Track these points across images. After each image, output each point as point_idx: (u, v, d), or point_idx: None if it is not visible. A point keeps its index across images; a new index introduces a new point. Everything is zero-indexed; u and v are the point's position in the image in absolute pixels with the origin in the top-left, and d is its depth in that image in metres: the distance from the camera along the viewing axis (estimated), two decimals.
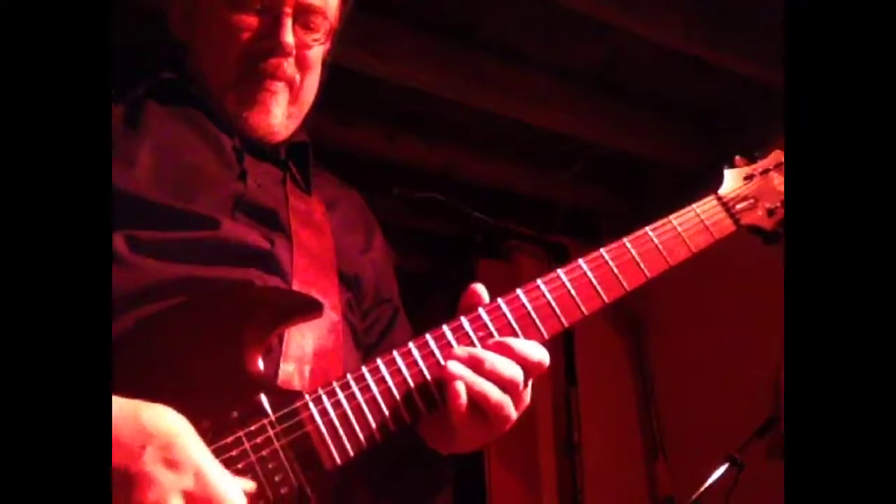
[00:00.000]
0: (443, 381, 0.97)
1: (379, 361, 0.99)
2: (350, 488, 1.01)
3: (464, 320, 1.02)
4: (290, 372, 1.04)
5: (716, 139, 3.53)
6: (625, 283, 1.09)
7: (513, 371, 0.97)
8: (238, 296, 1.03)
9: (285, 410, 0.94)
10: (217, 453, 0.88)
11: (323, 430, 0.94)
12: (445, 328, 1.01)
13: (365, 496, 1.08)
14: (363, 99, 3.14)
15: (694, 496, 2.44)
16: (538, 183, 3.84)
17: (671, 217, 1.17)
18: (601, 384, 3.74)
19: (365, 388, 0.97)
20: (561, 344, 3.49)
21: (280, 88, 1.23)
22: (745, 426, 2.61)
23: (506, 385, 0.97)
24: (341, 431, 0.94)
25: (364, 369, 0.98)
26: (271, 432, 0.92)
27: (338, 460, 0.94)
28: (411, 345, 1.00)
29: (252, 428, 0.92)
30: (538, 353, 0.99)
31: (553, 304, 1.05)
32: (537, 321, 1.03)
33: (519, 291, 1.05)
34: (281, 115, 1.24)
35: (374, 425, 0.96)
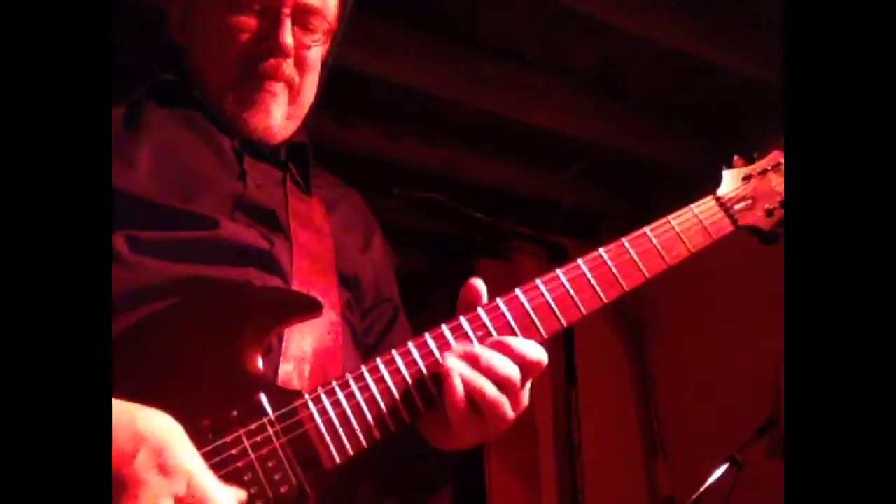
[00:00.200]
0: (441, 379, 0.97)
1: (378, 361, 0.99)
2: (350, 487, 1.01)
3: (463, 320, 1.02)
4: (290, 371, 1.04)
5: (716, 139, 3.53)
6: (623, 283, 1.09)
7: (510, 369, 0.97)
8: (237, 295, 1.03)
9: (285, 410, 0.94)
10: (217, 452, 0.89)
11: (322, 429, 0.94)
12: (444, 328, 1.01)
13: (365, 495, 1.08)
14: (363, 99, 3.14)
15: (694, 496, 2.44)
16: (538, 183, 3.84)
17: (669, 217, 1.17)
18: (601, 384, 3.74)
19: (364, 388, 0.97)
20: (561, 344, 3.50)
21: (279, 89, 1.24)
22: (745, 426, 2.61)
23: (502, 383, 0.97)
24: (340, 431, 0.95)
25: (363, 369, 0.98)
26: (271, 431, 0.93)
27: (337, 459, 0.94)
28: (410, 344, 1.00)
29: (252, 427, 0.92)
30: (536, 353, 0.99)
31: (552, 303, 1.05)
32: (536, 321, 1.04)
33: (518, 291, 1.05)
34: (280, 116, 1.24)
35: (373, 424, 0.96)
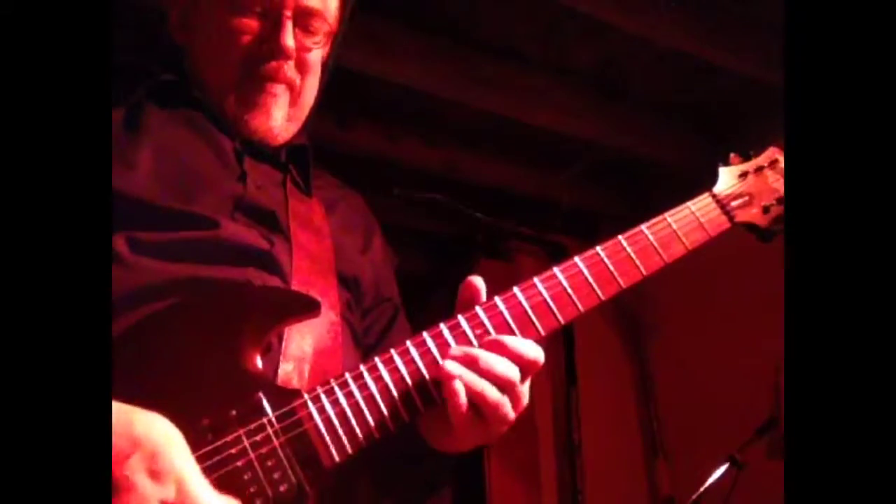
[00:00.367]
0: (440, 380, 0.97)
1: (377, 360, 0.99)
2: (349, 486, 1.01)
3: (461, 319, 1.02)
4: (290, 371, 1.04)
5: (716, 139, 3.53)
6: (621, 281, 1.10)
7: (508, 369, 0.97)
8: (236, 295, 1.04)
9: (284, 409, 0.94)
10: (216, 451, 0.89)
11: (321, 428, 0.94)
12: (443, 327, 1.02)
13: (364, 495, 1.08)
14: (363, 99, 3.14)
15: (694, 496, 2.45)
16: (538, 183, 3.84)
17: (666, 214, 1.18)
18: (601, 384, 3.75)
19: (363, 387, 0.97)
20: (561, 344, 3.51)
21: (280, 91, 1.24)
22: (745, 426, 2.62)
23: (502, 384, 0.97)
24: (340, 430, 0.95)
25: (362, 368, 0.98)
26: (270, 431, 0.93)
27: (336, 458, 0.94)
28: (409, 344, 1.00)
29: (251, 426, 0.92)
30: (533, 352, 1.00)
31: (550, 301, 1.05)
32: (534, 319, 1.04)
33: (516, 289, 1.05)
34: (281, 117, 1.25)
35: (372, 423, 0.96)
